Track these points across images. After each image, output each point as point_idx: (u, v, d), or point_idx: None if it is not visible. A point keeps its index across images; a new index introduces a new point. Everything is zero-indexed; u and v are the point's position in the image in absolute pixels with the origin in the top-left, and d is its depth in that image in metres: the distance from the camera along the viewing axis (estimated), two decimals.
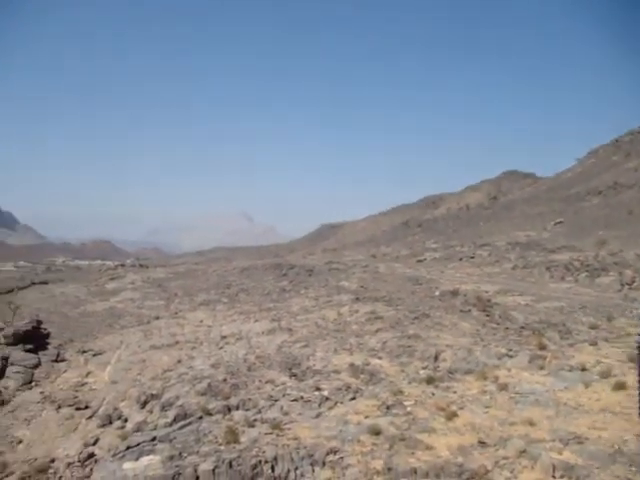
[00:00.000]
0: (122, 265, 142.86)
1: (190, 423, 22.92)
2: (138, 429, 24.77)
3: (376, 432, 19.60)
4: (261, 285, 70.57)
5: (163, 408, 26.63)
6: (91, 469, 22.15)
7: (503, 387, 24.47)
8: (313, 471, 17.83)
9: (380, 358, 30.55)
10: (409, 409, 22.11)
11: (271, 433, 20.22)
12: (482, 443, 18.95)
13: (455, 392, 24.51)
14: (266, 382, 27.61)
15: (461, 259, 74.07)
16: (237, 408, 24.07)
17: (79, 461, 23.86)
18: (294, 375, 28.35)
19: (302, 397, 24.27)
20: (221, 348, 37.65)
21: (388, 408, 22.34)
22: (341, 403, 23.56)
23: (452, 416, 21.14)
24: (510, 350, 30.70)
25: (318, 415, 22.07)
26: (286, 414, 22.41)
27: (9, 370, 44.73)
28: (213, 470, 17.72)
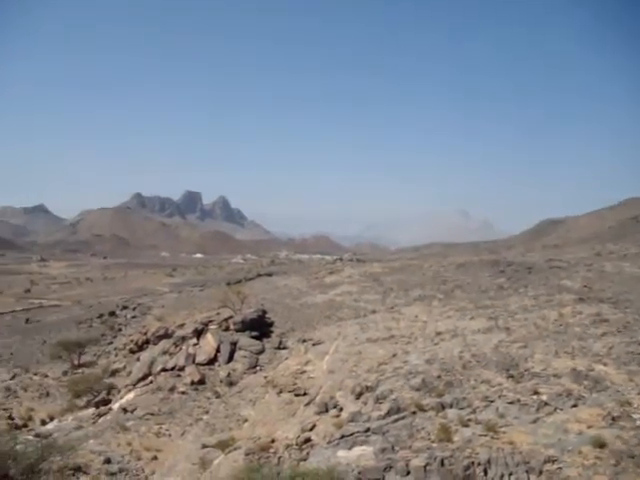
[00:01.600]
0: (340, 259, 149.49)
1: (403, 417, 23.08)
2: (352, 419, 25.55)
3: (600, 445, 17.86)
4: (477, 282, 68.99)
5: (377, 400, 27.15)
6: (307, 453, 23.31)
7: None
8: (528, 479, 16.89)
9: (605, 364, 27.88)
10: (639, 423, 19.86)
11: (485, 435, 19.53)
12: None
13: None
14: (481, 382, 26.80)
15: None
16: (451, 406, 23.70)
17: (297, 444, 25.28)
18: (511, 376, 27.10)
19: (519, 400, 23.09)
20: (436, 344, 37.41)
21: (614, 419, 20.25)
22: (561, 410, 21.92)
23: None
24: None
25: (535, 420, 20.81)
26: (501, 416, 21.48)
27: (237, 354, 49.30)
28: (425, 467, 17.62)
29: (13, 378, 56.35)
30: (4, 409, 45.47)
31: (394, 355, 36.64)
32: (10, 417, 43.32)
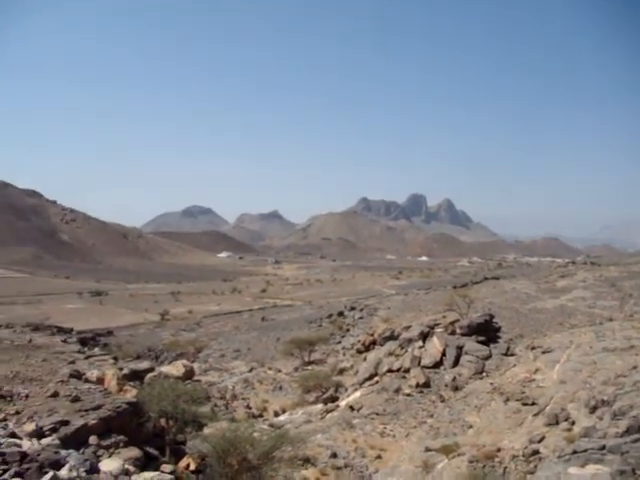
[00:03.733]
0: (572, 262, 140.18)
1: None
2: (585, 434, 23.91)
3: None
4: None
5: (614, 416, 25.06)
6: (535, 466, 22.34)
7: None
8: None
9: None
10: None
11: None
12: None
13: None
14: None
15: None
16: None
17: (523, 456, 24.38)
18: None
19: None
20: None
21: None
22: None
23: None
24: None
25: None
26: None
27: (463, 359, 48.70)
28: None
29: (250, 371, 62.02)
30: (243, 398, 50.27)
31: (634, 367, 33.50)
32: (248, 406, 47.72)
